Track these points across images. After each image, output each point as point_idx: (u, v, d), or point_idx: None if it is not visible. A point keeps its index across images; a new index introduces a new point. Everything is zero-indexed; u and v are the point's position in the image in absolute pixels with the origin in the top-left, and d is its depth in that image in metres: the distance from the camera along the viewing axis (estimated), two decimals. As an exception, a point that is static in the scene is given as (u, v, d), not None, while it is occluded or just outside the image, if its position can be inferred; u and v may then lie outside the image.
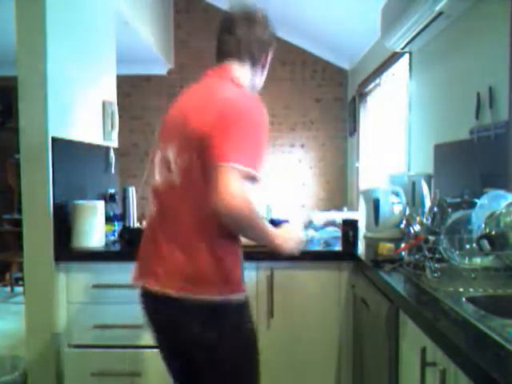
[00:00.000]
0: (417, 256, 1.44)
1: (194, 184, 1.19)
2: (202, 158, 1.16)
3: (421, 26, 2.18)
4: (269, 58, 1.40)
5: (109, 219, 2.14)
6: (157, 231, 1.27)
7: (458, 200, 1.61)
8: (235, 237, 1.26)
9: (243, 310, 1.26)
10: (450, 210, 1.53)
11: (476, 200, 1.54)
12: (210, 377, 1.25)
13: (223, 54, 1.34)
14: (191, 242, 1.20)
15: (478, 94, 1.89)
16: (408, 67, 2.84)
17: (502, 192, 1.51)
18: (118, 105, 2.64)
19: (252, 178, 1.15)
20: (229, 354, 1.23)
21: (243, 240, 1.32)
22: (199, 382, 1.27)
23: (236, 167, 1.11)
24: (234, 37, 1.32)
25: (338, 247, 1.96)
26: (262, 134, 1.19)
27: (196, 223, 1.20)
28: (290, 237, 1.32)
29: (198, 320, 1.19)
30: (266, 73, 1.43)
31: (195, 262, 1.19)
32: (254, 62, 1.35)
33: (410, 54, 2.81)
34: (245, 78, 1.34)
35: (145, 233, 1.33)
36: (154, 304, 1.27)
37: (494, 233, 1.36)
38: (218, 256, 1.20)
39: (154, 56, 4.43)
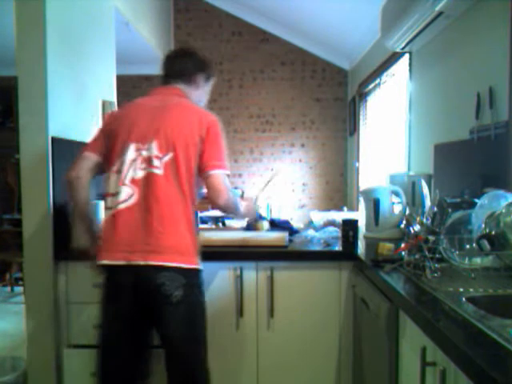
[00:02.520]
0: (417, 256, 1.44)
1: (176, 173, 1.51)
2: (185, 154, 1.52)
3: (421, 26, 2.18)
4: (200, 79, 1.74)
5: (109, 219, 2.13)
6: (141, 214, 1.49)
7: (458, 200, 1.61)
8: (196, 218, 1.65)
9: (202, 277, 1.60)
10: (450, 209, 1.53)
11: (476, 200, 1.54)
12: (181, 333, 1.51)
13: (165, 79, 1.72)
14: (175, 220, 1.50)
15: (478, 94, 1.89)
16: (408, 67, 2.84)
17: (502, 192, 1.51)
18: (118, 105, 2.64)
19: (228, 176, 1.60)
20: (194, 311, 1.54)
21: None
22: (171, 339, 1.53)
23: (224, 172, 1.57)
24: (167, 67, 1.73)
25: (338, 247, 1.96)
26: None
27: (180, 206, 1.51)
28: (248, 209, 1.91)
29: (171, 286, 1.47)
30: (205, 92, 1.79)
31: (182, 237, 1.50)
32: (187, 83, 1.71)
33: (410, 54, 2.81)
34: (187, 94, 1.70)
35: (124, 217, 1.51)
36: (143, 274, 1.47)
37: (493, 233, 1.36)
38: (193, 233, 1.55)
39: (154, 56, 4.43)
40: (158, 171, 1.50)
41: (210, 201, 1.58)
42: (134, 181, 1.52)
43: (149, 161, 1.52)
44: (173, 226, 1.49)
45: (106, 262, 1.50)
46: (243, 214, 1.85)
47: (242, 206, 1.77)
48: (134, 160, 1.53)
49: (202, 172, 1.56)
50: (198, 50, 1.80)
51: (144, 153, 1.53)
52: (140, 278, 1.47)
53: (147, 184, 1.50)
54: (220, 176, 1.55)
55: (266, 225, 2.21)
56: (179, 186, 1.51)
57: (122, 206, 1.50)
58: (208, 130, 1.55)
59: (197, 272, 1.56)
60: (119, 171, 1.53)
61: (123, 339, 1.53)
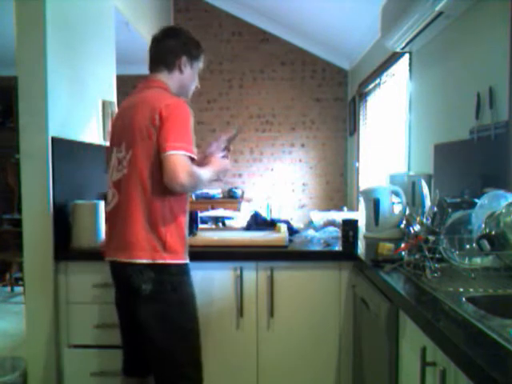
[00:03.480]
0: (417, 256, 1.44)
1: (137, 170, 1.51)
2: (144, 149, 1.50)
3: (421, 26, 2.18)
4: (183, 62, 1.66)
5: (109, 219, 2.14)
6: (116, 214, 1.58)
7: (458, 200, 1.61)
8: (178, 214, 1.56)
9: (181, 275, 1.57)
10: (450, 209, 1.53)
11: (476, 200, 1.54)
12: (152, 327, 1.53)
13: (150, 67, 1.69)
14: (137, 218, 1.51)
15: (478, 94, 1.89)
16: (408, 67, 2.84)
17: (502, 192, 1.51)
18: (117, 105, 2.64)
19: (191, 159, 1.50)
20: (167, 307, 1.53)
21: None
22: (144, 332, 1.55)
23: (181, 153, 1.46)
24: (151, 53, 1.68)
25: (338, 247, 1.96)
26: (189, 126, 1.54)
27: (140, 203, 1.51)
28: (216, 169, 1.69)
29: (139, 279, 1.51)
30: (192, 75, 1.71)
31: (144, 234, 1.50)
32: (170, 69, 1.66)
33: (410, 54, 2.81)
34: (168, 82, 1.65)
35: (108, 218, 1.65)
36: (118, 269, 1.60)
37: (493, 233, 1.36)
38: (160, 229, 1.51)
39: (154, 56, 4.43)
40: (125, 170, 1.56)
41: (165, 185, 1.46)
42: (114, 183, 1.61)
43: (121, 162, 1.58)
44: (134, 224, 1.51)
45: (105, 258, 1.64)
46: (212, 180, 1.69)
47: (207, 173, 1.61)
48: (114, 163, 1.61)
49: (159, 156, 1.48)
50: (181, 29, 1.71)
51: (118, 155, 1.59)
52: (116, 272, 1.62)
53: (121, 184, 1.57)
54: (175, 157, 1.44)
55: (284, 227, 2.20)
56: (141, 184, 1.51)
57: (108, 208, 1.64)
58: (160, 114, 1.48)
59: (170, 268, 1.53)
60: (108, 175, 1.65)
61: (125, 323, 1.69)
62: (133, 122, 1.54)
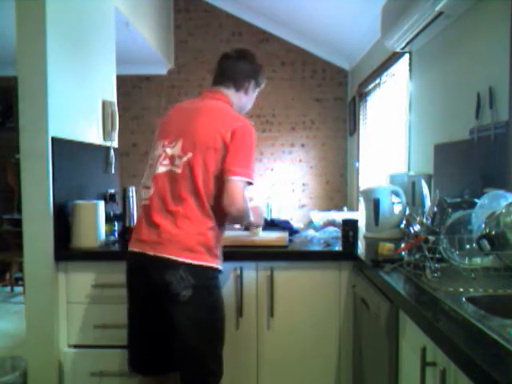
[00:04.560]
0: (417, 256, 1.44)
1: (191, 174, 1.55)
2: (207, 158, 1.55)
3: (421, 26, 2.18)
4: (251, 85, 1.77)
5: (109, 219, 2.14)
6: (154, 209, 1.58)
7: (458, 200, 1.61)
8: (220, 220, 1.62)
9: (217, 279, 1.61)
10: (450, 209, 1.53)
11: (476, 200, 1.54)
12: (186, 327, 1.53)
13: (216, 79, 1.75)
14: (186, 217, 1.54)
15: (478, 94, 1.89)
16: (408, 67, 2.84)
17: (502, 192, 1.51)
18: (118, 105, 2.64)
19: (249, 183, 1.58)
20: (202, 310, 1.55)
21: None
22: (175, 331, 1.54)
23: (243, 180, 1.55)
24: (222, 67, 1.74)
25: (338, 247, 1.96)
26: (253, 151, 1.65)
27: (190, 204, 1.54)
28: (253, 217, 1.80)
29: (179, 286, 1.50)
30: (252, 98, 1.83)
31: (191, 234, 1.53)
32: (238, 88, 1.73)
33: (410, 53, 2.81)
34: (232, 100, 1.73)
35: (147, 209, 1.61)
36: (153, 266, 1.54)
37: (493, 233, 1.36)
38: (206, 232, 1.56)
39: (154, 56, 4.43)
40: (177, 170, 1.57)
41: (223, 207, 1.55)
42: (156, 175, 1.61)
43: (171, 159, 1.59)
44: (183, 223, 1.53)
45: (130, 249, 1.62)
46: (251, 223, 1.89)
47: (252, 215, 1.74)
48: (159, 156, 1.62)
49: (223, 177, 1.55)
50: (254, 54, 1.79)
51: (168, 150, 1.61)
52: (151, 270, 1.55)
53: (166, 180, 1.58)
54: (237, 183, 1.53)
55: (260, 230, 2.17)
56: (194, 186, 1.54)
57: (147, 199, 1.62)
58: (233, 134, 1.56)
59: (209, 272, 1.56)
60: (150, 166, 1.65)
61: (143, 319, 1.63)
62: (198, 127, 1.58)
